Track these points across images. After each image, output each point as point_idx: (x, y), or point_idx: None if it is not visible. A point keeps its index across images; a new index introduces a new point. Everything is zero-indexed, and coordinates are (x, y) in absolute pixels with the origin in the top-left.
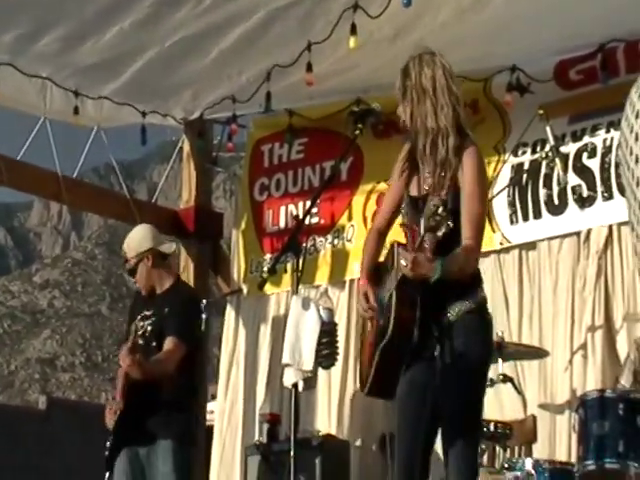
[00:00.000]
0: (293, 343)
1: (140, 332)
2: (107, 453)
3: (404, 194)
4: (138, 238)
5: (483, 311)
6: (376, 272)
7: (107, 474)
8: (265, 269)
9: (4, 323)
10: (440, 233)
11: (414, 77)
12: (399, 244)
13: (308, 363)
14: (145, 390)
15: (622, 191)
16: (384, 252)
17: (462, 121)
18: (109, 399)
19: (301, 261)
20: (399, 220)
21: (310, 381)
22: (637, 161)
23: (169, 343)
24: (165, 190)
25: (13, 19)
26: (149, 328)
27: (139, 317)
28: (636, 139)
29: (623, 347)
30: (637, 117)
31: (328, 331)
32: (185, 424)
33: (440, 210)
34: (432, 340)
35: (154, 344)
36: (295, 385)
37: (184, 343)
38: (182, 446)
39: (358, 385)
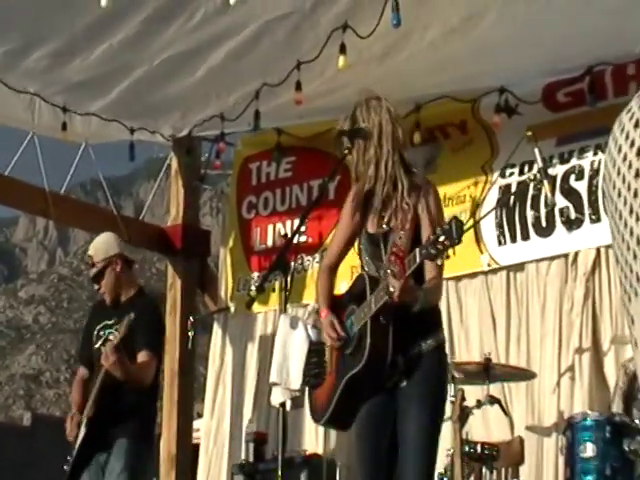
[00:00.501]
0: (281, 362)
1: (101, 341)
2: (72, 462)
3: (358, 232)
4: (106, 243)
5: (444, 349)
6: (333, 305)
7: None
8: (253, 287)
9: None
10: (440, 262)
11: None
12: (370, 275)
13: (296, 382)
14: (112, 397)
15: None
16: (343, 284)
17: (407, 162)
18: (71, 411)
19: (289, 280)
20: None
21: (298, 400)
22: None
23: (144, 357)
24: (152, 207)
25: (1, 35)
26: (111, 337)
27: (99, 327)
28: (629, 167)
29: (610, 370)
30: (632, 145)
31: (316, 350)
32: (141, 424)
33: (442, 239)
34: (396, 372)
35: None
36: (283, 404)
37: (155, 356)
38: (136, 444)
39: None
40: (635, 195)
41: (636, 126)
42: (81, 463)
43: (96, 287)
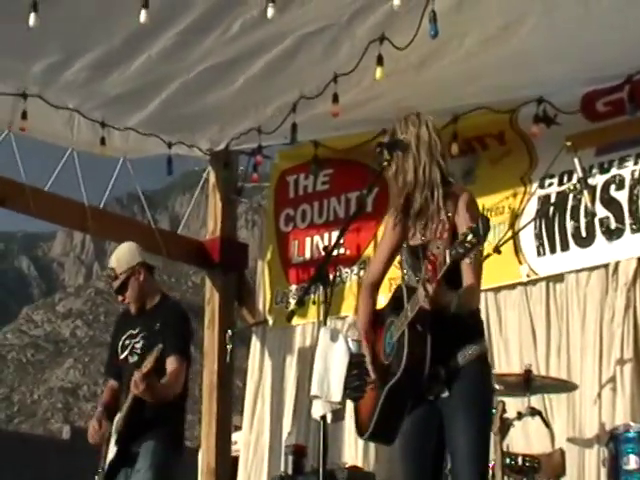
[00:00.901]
0: (322, 375)
1: (127, 351)
2: (105, 473)
3: (400, 246)
4: (127, 253)
5: (486, 358)
6: (374, 321)
7: None
8: (292, 301)
9: (27, 352)
10: (469, 261)
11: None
12: (409, 286)
13: (337, 395)
14: (141, 411)
15: None
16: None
17: (445, 172)
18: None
19: (329, 292)
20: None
21: (338, 413)
22: None
23: (173, 363)
24: (187, 220)
25: (41, 50)
26: (137, 345)
27: (124, 337)
28: None
29: None
30: None
31: (357, 363)
32: (169, 429)
33: (470, 237)
34: (437, 382)
35: (141, 360)
36: (323, 417)
37: (185, 360)
38: (164, 447)
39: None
40: None
41: None
42: (111, 476)
43: (120, 298)
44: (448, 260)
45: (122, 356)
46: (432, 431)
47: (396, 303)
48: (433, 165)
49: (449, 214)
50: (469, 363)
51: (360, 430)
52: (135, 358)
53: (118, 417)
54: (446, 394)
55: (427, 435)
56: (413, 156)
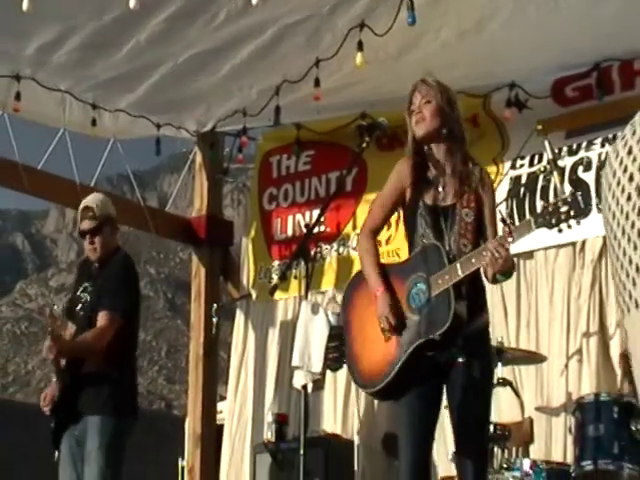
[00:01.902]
0: (303, 347)
1: (80, 305)
2: (51, 433)
3: (414, 201)
4: (107, 202)
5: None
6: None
7: (57, 453)
8: (275, 276)
9: (22, 325)
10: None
11: (442, 89)
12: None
13: (317, 366)
14: (74, 367)
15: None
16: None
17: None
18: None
19: (311, 268)
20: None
21: (319, 383)
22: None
23: (102, 319)
24: (175, 199)
25: (33, 30)
26: (84, 297)
27: (80, 288)
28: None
29: (616, 352)
30: (624, 171)
31: (336, 335)
32: (115, 397)
33: (564, 209)
34: (455, 346)
35: (85, 315)
36: (305, 387)
37: (117, 316)
38: (112, 420)
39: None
40: (627, 218)
41: (629, 153)
42: (58, 433)
43: (88, 241)
44: (534, 228)
45: (77, 308)
46: (439, 394)
47: (426, 258)
48: (462, 125)
49: (475, 184)
50: (483, 330)
51: (363, 382)
52: (82, 313)
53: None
54: (461, 359)
55: (436, 402)
56: (450, 109)
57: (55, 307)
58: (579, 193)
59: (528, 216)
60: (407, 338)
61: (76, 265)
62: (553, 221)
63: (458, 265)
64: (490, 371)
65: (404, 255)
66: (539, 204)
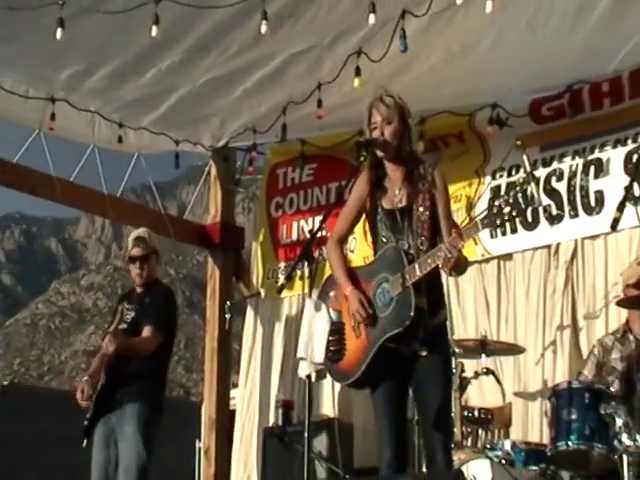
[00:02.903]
0: (307, 340)
1: (124, 321)
2: (86, 423)
3: (365, 210)
4: (154, 237)
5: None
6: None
7: (85, 441)
8: (282, 277)
9: (55, 320)
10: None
11: (399, 109)
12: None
13: (319, 357)
14: (120, 366)
15: (586, 210)
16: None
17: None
18: (79, 380)
19: (314, 269)
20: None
21: (321, 372)
22: None
23: (146, 331)
24: (192, 207)
25: (66, 60)
26: (128, 316)
27: (120, 309)
28: None
29: (584, 343)
30: None
31: (336, 329)
32: (152, 391)
33: (507, 210)
34: (417, 340)
35: (128, 328)
36: (309, 376)
37: (160, 333)
38: (147, 409)
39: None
40: None
41: None
42: (93, 422)
43: (137, 266)
44: (480, 228)
45: (119, 326)
46: (406, 386)
47: (389, 260)
48: (413, 138)
49: (429, 184)
50: (441, 325)
51: (342, 378)
52: (122, 326)
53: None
54: (424, 352)
55: (404, 390)
56: (405, 128)
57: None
58: (519, 194)
59: (476, 218)
60: (375, 334)
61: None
62: (498, 221)
63: (416, 265)
64: (449, 361)
65: None
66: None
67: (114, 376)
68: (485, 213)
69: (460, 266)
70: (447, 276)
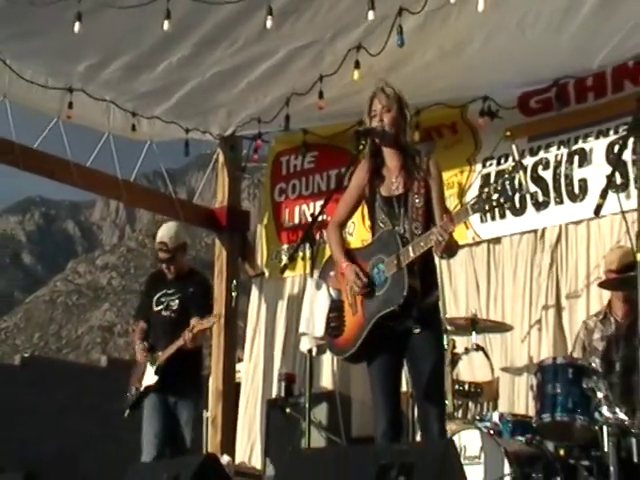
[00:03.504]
0: (308, 316)
1: (162, 306)
2: (138, 395)
3: (364, 196)
4: (178, 232)
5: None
6: (350, 256)
7: (128, 410)
8: (284, 257)
9: (73, 297)
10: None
11: (398, 100)
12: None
13: (319, 332)
14: (180, 357)
15: (571, 197)
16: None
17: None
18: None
19: (315, 250)
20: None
21: (321, 347)
22: None
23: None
24: (201, 193)
25: (83, 53)
26: (172, 303)
27: (159, 294)
28: None
29: (566, 322)
30: None
31: (336, 307)
32: (199, 380)
33: (495, 196)
34: (411, 318)
35: (176, 316)
36: (310, 350)
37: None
38: (196, 405)
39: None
40: None
41: None
42: (142, 398)
43: (165, 266)
44: (470, 213)
45: (156, 309)
46: (400, 361)
47: (384, 243)
48: (408, 128)
49: (423, 173)
50: (434, 305)
51: (340, 352)
52: (168, 313)
53: (158, 354)
54: (417, 329)
55: (398, 364)
56: (402, 117)
57: (213, 321)
58: (508, 183)
59: (466, 204)
60: (371, 311)
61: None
62: (487, 207)
63: (410, 248)
64: (441, 338)
65: None
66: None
67: (173, 365)
68: (475, 199)
69: (451, 249)
70: (439, 258)
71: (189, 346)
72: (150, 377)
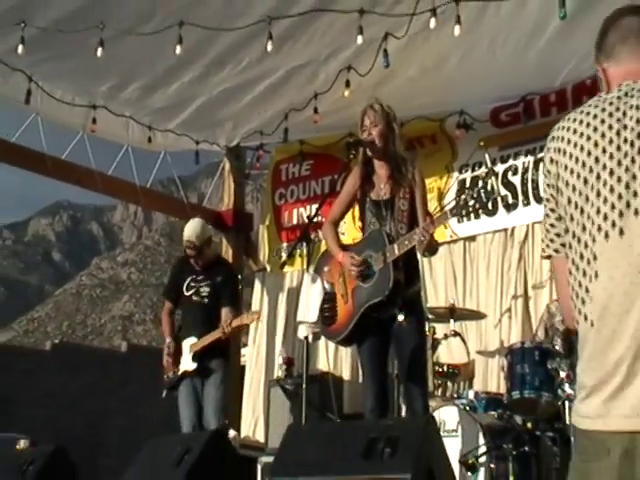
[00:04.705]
0: (305, 307)
1: (192, 291)
2: (177, 377)
3: (356, 199)
4: (202, 229)
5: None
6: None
7: (165, 391)
8: (284, 254)
9: (96, 290)
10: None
11: (385, 115)
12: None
13: (314, 319)
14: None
15: (537, 199)
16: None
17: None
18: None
19: (311, 248)
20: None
21: (317, 334)
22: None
23: (227, 313)
24: (210, 197)
25: (106, 75)
26: (202, 290)
27: (190, 278)
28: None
29: (533, 309)
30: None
31: (329, 298)
32: (226, 354)
33: (472, 203)
34: (396, 307)
35: (207, 303)
36: (306, 337)
37: (235, 311)
38: (225, 369)
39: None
40: None
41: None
42: (179, 382)
43: (193, 260)
44: (449, 217)
45: (187, 293)
46: (387, 345)
47: (373, 241)
48: (397, 139)
49: (408, 181)
50: (416, 295)
51: (332, 336)
52: (198, 299)
53: (193, 341)
54: (402, 317)
55: (385, 347)
56: (390, 131)
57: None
58: (482, 190)
59: (446, 209)
60: (361, 300)
61: (175, 261)
62: (463, 212)
63: (395, 246)
64: (423, 324)
65: None
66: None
67: (207, 351)
68: (453, 204)
69: (431, 248)
70: (422, 256)
71: (223, 337)
72: (188, 363)
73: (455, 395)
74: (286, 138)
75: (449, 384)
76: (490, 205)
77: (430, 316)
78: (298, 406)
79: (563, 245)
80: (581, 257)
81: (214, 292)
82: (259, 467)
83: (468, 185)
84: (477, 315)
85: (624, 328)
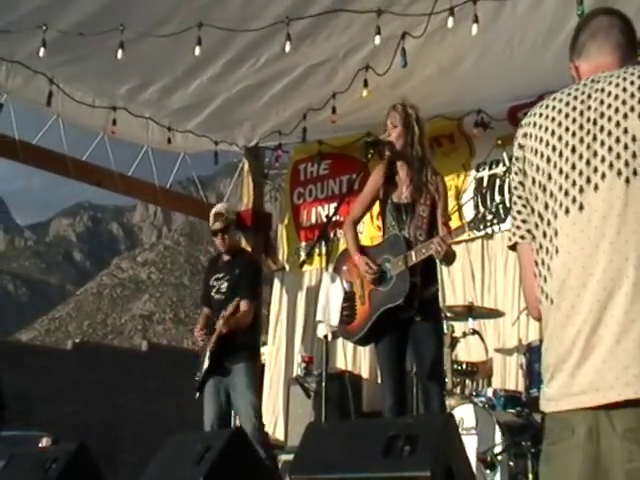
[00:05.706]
0: (324, 306)
1: (214, 290)
2: (201, 378)
3: (377, 199)
4: (231, 210)
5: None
6: (363, 251)
7: (197, 394)
8: (303, 253)
9: (117, 290)
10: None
11: (404, 116)
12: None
13: (334, 320)
14: (228, 338)
15: None
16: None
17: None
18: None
19: (330, 247)
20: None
21: (336, 333)
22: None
23: (244, 306)
24: (229, 197)
25: (125, 76)
26: (222, 286)
27: (213, 278)
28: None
29: None
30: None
31: (348, 298)
32: (251, 350)
33: (489, 217)
34: (413, 309)
35: (225, 298)
36: (325, 336)
37: (254, 302)
38: (251, 365)
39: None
40: None
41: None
42: (204, 381)
43: (220, 237)
44: (467, 230)
45: (211, 293)
46: (404, 344)
47: (391, 245)
48: (417, 142)
49: (433, 189)
50: (433, 297)
51: (349, 336)
52: (219, 296)
53: (212, 339)
54: (419, 318)
55: (403, 347)
56: (408, 133)
57: (237, 299)
58: (500, 205)
59: (464, 222)
60: (378, 303)
61: (208, 261)
62: (481, 226)
63: (413, 252)
64: (440, 324)
65: None
66: (497, 198)
67: (224, 346)
68: (472, 218)
69: (448, 258)
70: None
71: (224, 331)
72: (206, 362)
73: (474, 393)
74: (304, 138)
75: (467, 382)
76: (508, 201)
77: (448, 314)
78: (317, 404)
79: (529, 231)
80: (544, 235)
81: (233, 286)
82: (279, 465)
83: (486, 182)
84: (495, 313)
85: (582, 301)
